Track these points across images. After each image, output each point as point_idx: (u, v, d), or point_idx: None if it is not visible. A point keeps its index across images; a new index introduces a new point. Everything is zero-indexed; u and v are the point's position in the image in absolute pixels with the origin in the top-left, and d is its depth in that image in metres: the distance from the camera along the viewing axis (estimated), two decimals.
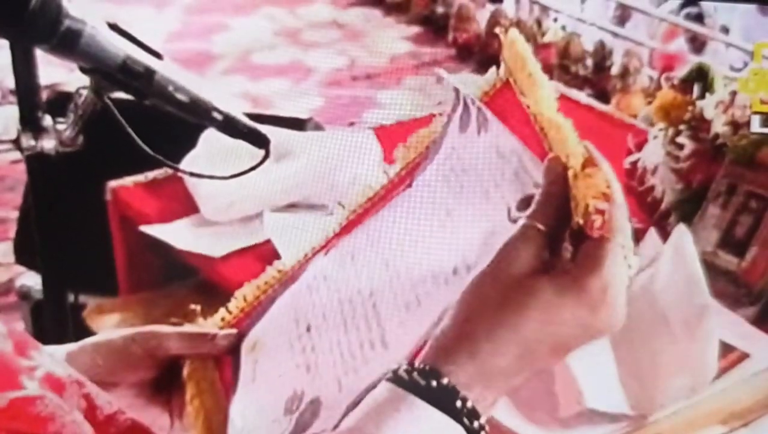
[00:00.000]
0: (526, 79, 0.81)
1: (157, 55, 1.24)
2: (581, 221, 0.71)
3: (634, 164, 1.75)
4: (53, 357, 0.75)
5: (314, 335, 0.87)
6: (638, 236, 1.53)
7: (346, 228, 0.91)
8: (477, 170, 0.83)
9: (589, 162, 0.73)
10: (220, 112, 1.26)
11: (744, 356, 1.34)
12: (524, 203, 0.77)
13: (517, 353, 0.71)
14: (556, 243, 0.73)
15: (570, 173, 0.73)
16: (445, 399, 0.69)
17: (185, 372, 0.91)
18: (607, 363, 1.28)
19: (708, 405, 1.27)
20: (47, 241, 1.66)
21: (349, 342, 0.84)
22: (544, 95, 0.79)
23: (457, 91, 0.86)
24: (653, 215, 1.67)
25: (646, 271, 1.43)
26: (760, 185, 1.57)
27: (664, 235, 1.49)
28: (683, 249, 1.39)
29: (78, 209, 1.72)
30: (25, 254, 2.30)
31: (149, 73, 1.21)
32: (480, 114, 0.84)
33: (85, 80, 1.30)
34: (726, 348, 1.32)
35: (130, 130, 1.29)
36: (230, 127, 1.27)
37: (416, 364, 0.71)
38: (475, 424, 0.70)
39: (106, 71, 1.21)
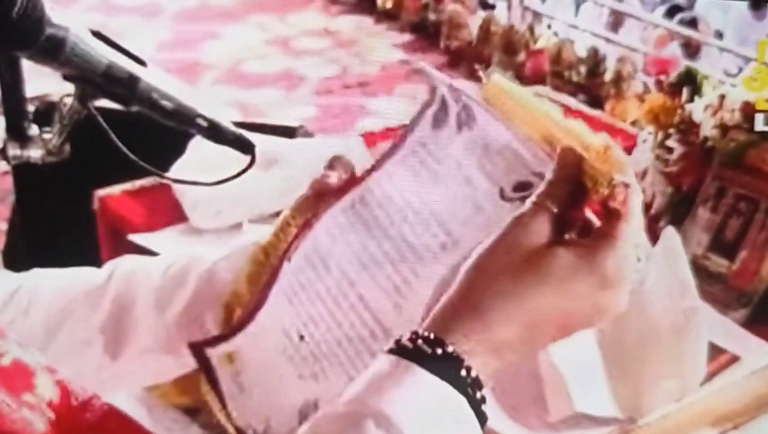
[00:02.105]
0: (518, 111, 0.81)
1: (142, 63, 1.24)
2: (606, 192, 0.72)
3: None
4: (21, 345, 0.74)
5: (311, 343, 0.87)
6: None
7: (303, 230, 0.91)
8: (456, 162, 0.84)
9: (608, 148, 0.74)
10: (204, 118, 1.26)
11: (734, 358, 1.34)
12: (521, 186, 0.79)
13: (525, 324, 0.71)
14: (563, 227, 0.74)
15: (592, 153, 0.74)
16: (449, 368, 0.69)
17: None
18: (596, 366, 1.28)
19: (698, 407, 1.27)
20: (34, 250, 1.66)
21: (349, 339, 0.84)
22: (545, 112, 0.80)
23: (434, 88, 0.86)
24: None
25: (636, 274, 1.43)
26: (749, 187, 1.57)
27: (654, 238, 1.49)
28: (673, 252, 1.39)
29: (65, 217, 1.72)
30: (14, 265, 2.30)
31: (133, 80, 1.21)
32: (464, 111, 0.84)
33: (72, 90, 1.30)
34: (716, 351, 1.33)
35: (114, 137, 1.28)
36: (215, 133, 1.27)
37: (421, 332, 0.71)
38: (478, 395, 0.70)
39: (89, 78, 1.20)
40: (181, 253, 1.01)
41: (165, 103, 1.24)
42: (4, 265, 2.47)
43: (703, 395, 1.27)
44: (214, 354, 0.91)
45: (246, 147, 1.28)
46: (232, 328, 0.92)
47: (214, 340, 0.92)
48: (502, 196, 0.81)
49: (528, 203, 0.74)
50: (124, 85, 1.22)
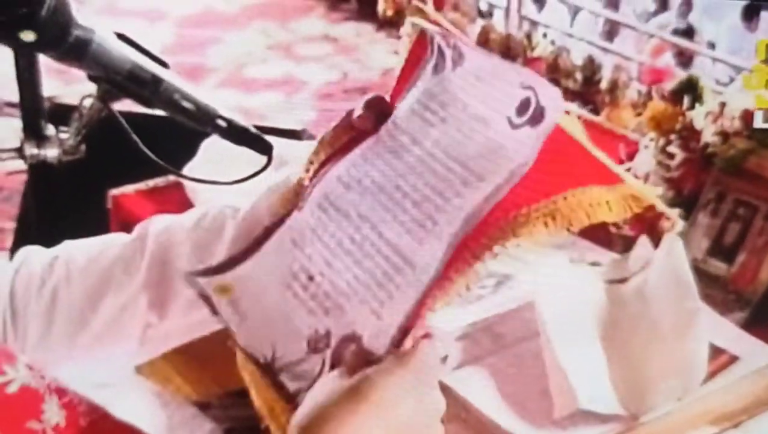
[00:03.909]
0: None
1: (164, 64, 1.27)
2: None
3: (626, 172, 1.77)
4: (29, 369, 0.76)
5: (321, 282, 0.89)
6: (631, 242, 1.56)
7: (313, 179, 0.93)
8: (461, 102, 0.87)
9: None
10: (224, 119, 1.28)
11: (733, 359, 1.35)
12: (522, 107, 0.82)
13: None
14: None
15: None
16: None
17: None
18: (600, 364, 1.30)
19: (698, 406, 1.28)
20: (48, 247, 1.67)
21: (372, 274, 0.86)
22: None
23: (431, 39, 0.90)
24: (645, 223, 1.69)
25: (638, 276, 1.46)
26: (747, 192, 1.59)
27: (656, 242, 1.52)
28: (674, 255, 1.41)
29: (79, 216, 1.73)
30: None
31: (156, 81, 1.24)
32: (455, 51, 0.88)
33: (82, 91, 1.32)
34: (716, 351, 1.34)
35: (135, 138, 1.31)
36: (234, 134, 1.29)
37: None
38: None
39: (113, 79, 1.23)
40: (210, 205, 1.02)
41: (186, 104, 1.26)
42: None
43: (703, 394, 1.29)
44: (207, 283, 0.93)
45: (264, 148, 1.30)
46: (227, 263, 0.93)
47: (211, 271, 0.93)
48: (512, 125, 0.84)
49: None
50: (147, 86, 1.24)
